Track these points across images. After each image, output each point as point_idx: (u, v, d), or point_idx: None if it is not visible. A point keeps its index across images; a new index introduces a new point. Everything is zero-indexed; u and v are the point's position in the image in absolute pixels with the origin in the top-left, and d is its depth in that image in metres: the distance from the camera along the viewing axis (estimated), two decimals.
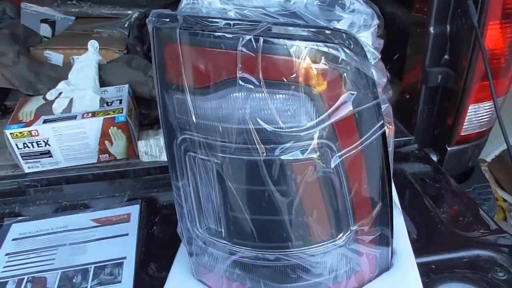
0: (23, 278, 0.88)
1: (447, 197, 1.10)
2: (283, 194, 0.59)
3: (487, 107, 1.24)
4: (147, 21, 0.59)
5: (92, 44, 1.41)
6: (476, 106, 1.20)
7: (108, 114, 1.23)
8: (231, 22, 0.52)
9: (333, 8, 0.73)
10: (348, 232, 0.65)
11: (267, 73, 0.52)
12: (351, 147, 0.59)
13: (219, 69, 0.54)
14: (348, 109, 0.55)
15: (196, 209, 0.68)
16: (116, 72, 1.42)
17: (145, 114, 1.43)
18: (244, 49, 0.51)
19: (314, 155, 0.57)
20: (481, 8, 1.06)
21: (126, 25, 1.90)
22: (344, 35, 0.54)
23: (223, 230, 0.66)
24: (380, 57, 0.63)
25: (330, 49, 0.52)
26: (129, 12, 2.00)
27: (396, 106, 1.47)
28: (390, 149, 0.77)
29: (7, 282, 0.88)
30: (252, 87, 0.52)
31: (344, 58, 0.53)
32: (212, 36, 0.52)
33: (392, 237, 0.75)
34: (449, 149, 1.29)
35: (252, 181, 0.60)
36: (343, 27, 0.69)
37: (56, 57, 1.67)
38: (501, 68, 1.20)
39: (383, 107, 0.67)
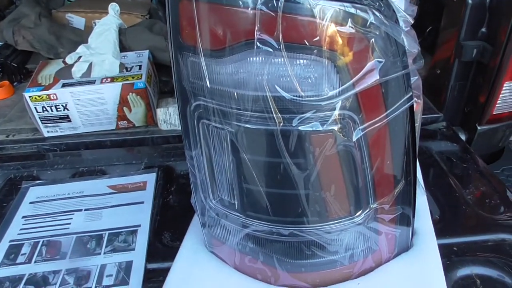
0: (39, 242, 0.89)
1: (474, 177, 1.05)
2: (300, 168, 0.56)
3: None
4: None
5: (113, 7, 1.38)
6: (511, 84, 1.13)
7: (127, 79, 1.21)
8: None
9: None
10: (367, 210, 0.62)
11: (288, 35, 0.48)
12: (375, 120, 0.55)
13: (236, 30, 0.50)
14: (374, 78, 0.51)
15: (209, 180, 0.66)
16: (137, 37, 1.39)
17: (165, 81, 1.41)
18: (263, 8, 0.47)
19: (335, 127, 0.53)
20: None
21: None
22: None
23: (236, 202, 0.63)
24: (412, 23, 0.58)
25: (358, 11, 0.47)
26: None
27: (425, 81, 1.38)
28: (417, 125, 0.73)
29: (23, 244, 0.89)
30: (270, 50, 0.48)
31: (373, 22, 0.48)
32: None
33: (413, 217, 0.72)
34: (479, 128, 1.22)
35: (268, 153, 0.57)
36: None
37: (78, 20, 1.65)
38: None
39: (413, 79, 0.62)
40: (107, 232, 0.91)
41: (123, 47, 1.37)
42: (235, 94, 0.53)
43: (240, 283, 0.72)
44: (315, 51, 0.49)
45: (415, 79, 0.64)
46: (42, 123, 1.22)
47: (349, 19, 0.48)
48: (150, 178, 1.07)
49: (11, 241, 0.90)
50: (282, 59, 0.49)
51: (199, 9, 0.51)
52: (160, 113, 1.24)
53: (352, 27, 0.48)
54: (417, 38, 0.63)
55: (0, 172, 1.12)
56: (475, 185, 1.02)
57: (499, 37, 1.09)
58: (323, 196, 0.58)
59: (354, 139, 0.55)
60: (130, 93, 1.21)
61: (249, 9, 0.47)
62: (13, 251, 0.87)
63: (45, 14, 1.50)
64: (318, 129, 0.52)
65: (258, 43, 0.48)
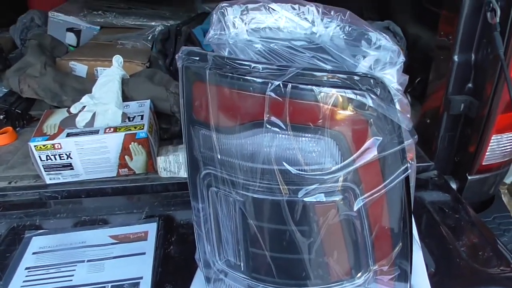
0: None
1: (466, 229, 1.08)
2: (304, 235, 0.59)
3: (511, 138, 1.23)
4: (176, 56, 0.60)
5: (117, 59, 1.44)
6: (499, 136, 1.19)
7: (130, 129, 1.24)
8: (260, 66, 0.52)
9: (359, 43, 0.74)
10: (367, 273, 0.65)
11: (294, 118, 0.52)
12: (374, 191, 0.59)
13: (246, 111, 0.55)
14: (372, 154, 0.55)
15: (216, 240, 0.69)
16: (139, 88, 1.44)
17: (165, 128, 1.45)
18: (272, 94, 0.51)
19: (337, 198, 0.57)
20: (508, 39, 1.05)
21: (149, 38, 1.93)
22: (372, 81, 0.54)
23: (242, 264, 0.66)
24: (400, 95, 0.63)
25: (357, 96, 0.52)
26: (153, 23, 2.03)
27: (417, 130, 1.45)
28: (412, 184, 0.77)
29: None
30: (278, 130, 0.53)
31: (371, 105, 0.53)
32: (241, 79, 0.53)
33: (411, 273, 0.75)
34: (469, 177, 1.27)
35: (274, 220, 0.60)
36: (368, 64, 0.70)
37: (80, 68, 1.70)
38: None
39: (407, 143, 0.67)
40: (109, 285, 0.92)
41: (125, 97, 1.41)
42: (244, 166, 0.57)
43: None
44: (319, 131, 0.53)
45: (408, 142, 0.69)
46: (45, 171, 1.25)
47: (349, 104, 0.53)
48: (151, 228, 1.09)
49: None
50: (289, 136, 0.54)
51: (212, 91, 0.56)
52: (161, 161, 1.27)
53: (352, 111, 0.53)
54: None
55: (3, 221, 1.13)
56: (468, 237, 1.05)
57: (485, 93, 1.15)
58: (326, 261, 0.62)
59: (355, 209, 0.59)
60: (132, 143, 1.24)
61: (259, 94, 0.52)
62: None
63: (50, 63, 1.55)
64: (321, 200, 0.56)
65: (267, 125, 0.53)
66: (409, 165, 0.67)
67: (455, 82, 1.21)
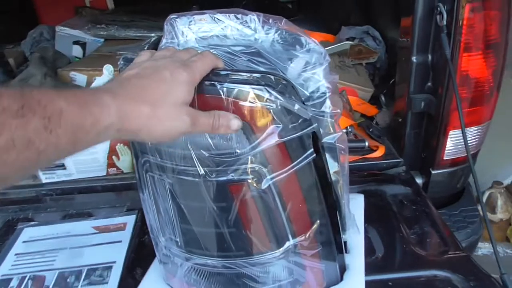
0: (25, 276, 1.01)
1: (420, 219, 1.15)
2: (222, 210, 0.69)
3: (472, 132, 1.29)
4: (118, 63, 0.71)
5: (107, 68, 1.56)
6: (457, 132, 1.25)
7: None
8: None
9: (293, 48, 0.83)
10: (286, 246, 0.74)
11: (204, 109, 0.62)
12: (281, 171, 0.68)
13: None
14: (274, 139, 0.64)
15: (159, 221, 0.79)
16: None
17: None
18: None
19: (247, 177, 0.67)
20: (453, 40, 1.12)
21: (145, 48, 2.05)
22: (273, 78, 0.63)
23: (178, 240, 0.76)
24: (330, 92, 0.72)
25: (255, 90, 0.62)
26: (152, 34, 2.15)
27: (389, 129, 1.54)
28: (345, 173, 0.85)
29: (12, 278, 1.01)
30: None
31: (269, 98, 0.62)
32: None
33: (340, 253, 0.83)
34: (433, 172, 1.33)
35: (195, 199, 0.70)
36: (297, 65, 0.79)
37: (80, 78, 1.83)
38: (484, 95, 1.25)
39: (337, 135, 0.76)
40: (86, 268, 1.03)
41: None
42: (169, 152, 0.68)
43: None
44: None
45: (339, 135, 0.77)
46: (41, 171, 1.37)
47: (249, 96, 0.62)
48: (130, 220, 1.19)
49: (2, 275, 1.02)
50: None
51: None
52: None
53: (252, 102, 0.62)
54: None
55: (0, 214, 1.27)
56: (420, 226, 1.11)
57: (439, 91, 1.22)
58: (244, 234, 0.71)
59: (263, 187, 0.67)
60: (118, 144, 1.36)
61: None
62: (3, 284, 0.99)
63: (50, 73, 1.69)
64: (232, 179, 0.66)
65: None
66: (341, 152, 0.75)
67: (415, 81, 1.28)
